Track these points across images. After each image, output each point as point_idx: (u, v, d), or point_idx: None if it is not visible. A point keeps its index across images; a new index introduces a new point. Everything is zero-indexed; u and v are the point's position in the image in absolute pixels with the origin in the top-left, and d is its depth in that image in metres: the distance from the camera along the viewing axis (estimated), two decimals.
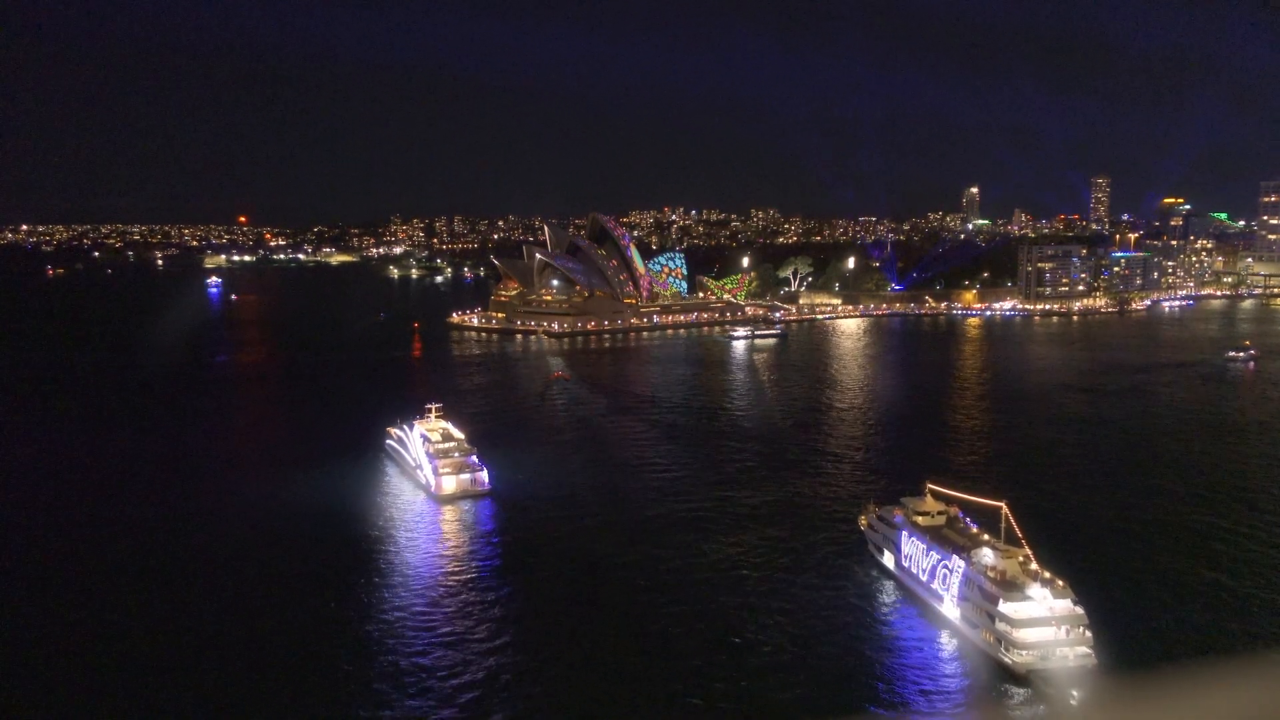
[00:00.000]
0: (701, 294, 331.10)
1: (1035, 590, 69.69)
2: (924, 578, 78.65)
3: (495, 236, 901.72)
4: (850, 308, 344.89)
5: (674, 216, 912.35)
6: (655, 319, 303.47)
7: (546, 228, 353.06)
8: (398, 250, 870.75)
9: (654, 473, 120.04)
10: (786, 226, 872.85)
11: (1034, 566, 72.73)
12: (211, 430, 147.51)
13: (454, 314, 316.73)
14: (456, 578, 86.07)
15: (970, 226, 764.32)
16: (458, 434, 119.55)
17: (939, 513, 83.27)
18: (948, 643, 73.52)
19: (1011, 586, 70.44)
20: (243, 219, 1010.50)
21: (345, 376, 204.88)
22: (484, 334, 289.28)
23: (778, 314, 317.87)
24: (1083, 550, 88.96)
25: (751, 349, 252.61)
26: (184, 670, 68.75)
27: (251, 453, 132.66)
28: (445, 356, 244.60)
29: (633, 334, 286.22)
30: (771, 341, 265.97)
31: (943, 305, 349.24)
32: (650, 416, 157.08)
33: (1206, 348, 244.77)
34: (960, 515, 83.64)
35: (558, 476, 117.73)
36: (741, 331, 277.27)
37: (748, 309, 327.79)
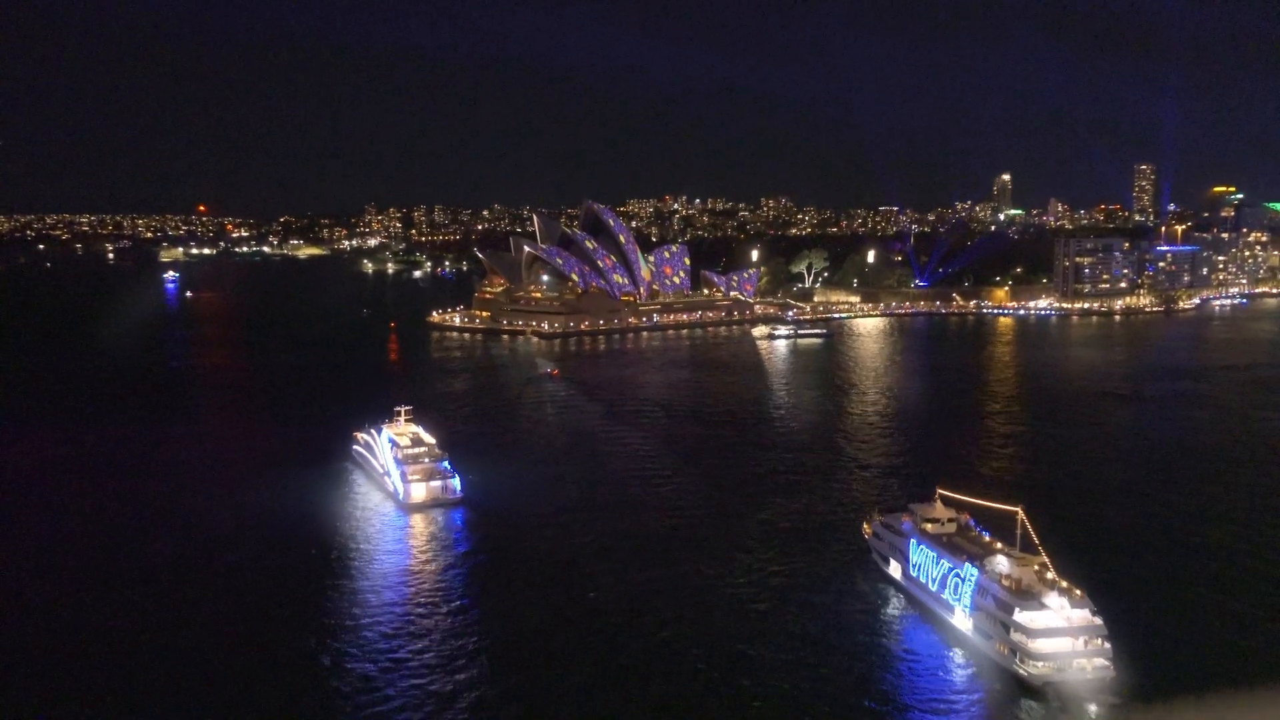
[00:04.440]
0: (706, 291, 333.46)
1: (1052, 599, 71.45)
2: (934, 588, 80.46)
3: (479, 228, 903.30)
4: (870, 306, 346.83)
5: (676, 206, 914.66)
6: (655, 318, 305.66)
7: (535, 218, 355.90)
8: (372, 243, 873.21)
9: (648, 482, 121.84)
10: (800, 217, 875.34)
11: (1051, 575, 74.53)
12: (163, 437, 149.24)
13: (434, 313, 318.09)
14: (423, 593, 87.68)
15: (1001, 217, 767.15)
16: (428, 438, 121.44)
17: (950, 519, 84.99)
18: (959, 655, 75.29)
19: (1027, 595, 72.18)
20: (202, 208, 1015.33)
21: (312, 380, 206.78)
22: (467, 335, 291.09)
23: (790, 313, 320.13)
24: (1104, 560, 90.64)
25: (794, 349, 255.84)
26: (119, 691, 70.20)
27: (206, 461, 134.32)
28: (423, 359, 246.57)
29: (630, 335, 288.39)
30: (817, 342, 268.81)
31: (971, 303, 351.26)
32: (648, 424, 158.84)
33: (1261, 351, 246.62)
34: (972, 522, 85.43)
35: (541, 485, 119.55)
36: (784, 330, 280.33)
37: (757, 307, 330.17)
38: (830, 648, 75.78)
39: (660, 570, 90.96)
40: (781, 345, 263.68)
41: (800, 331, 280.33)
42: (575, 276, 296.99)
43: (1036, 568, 75.32)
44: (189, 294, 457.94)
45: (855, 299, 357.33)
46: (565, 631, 78.87)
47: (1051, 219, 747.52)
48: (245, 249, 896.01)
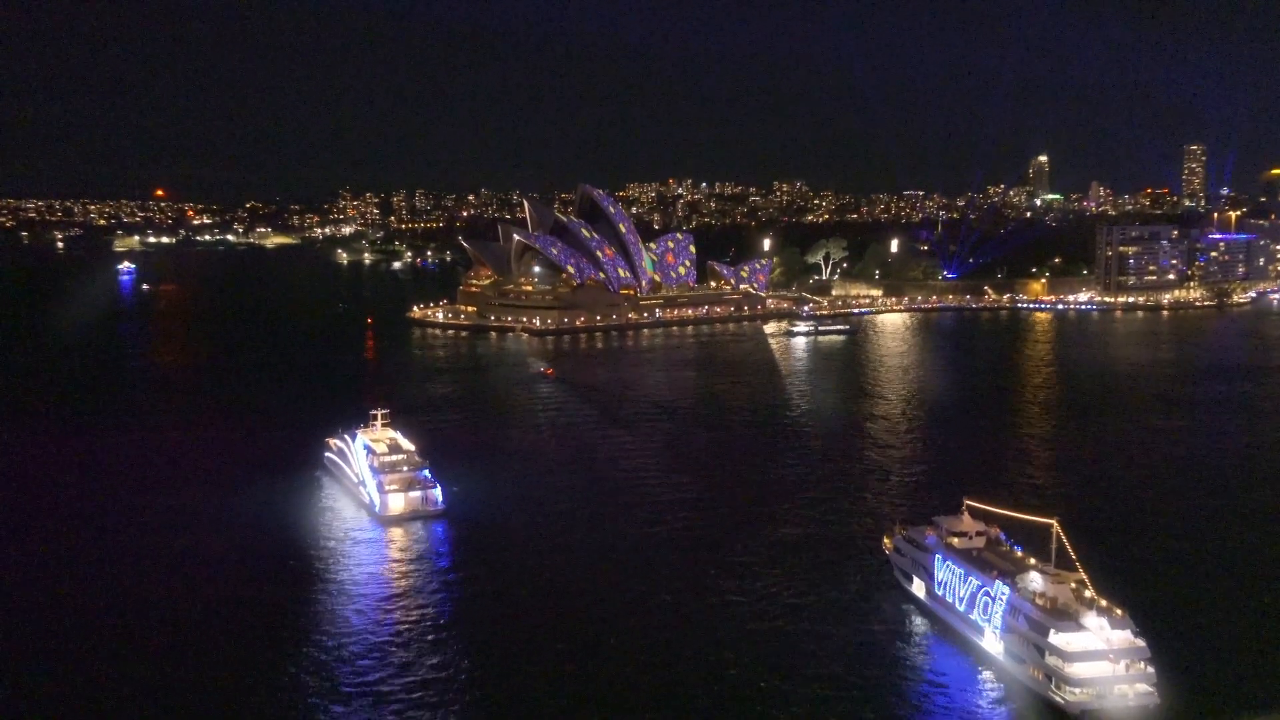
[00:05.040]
0: (713, 284, 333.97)
1: (1091, 619, 71.73)
2: (961, 607, 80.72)
3: (465, 214, 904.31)
4: (893, 300, 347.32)
5: (680, 190, 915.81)
6: (658, 314, 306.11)
7: (526, 204, 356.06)
8: (347, 230, 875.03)
9: (649, 494, 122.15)
10: (816, 202, 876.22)
11: (1089, 593, 74.77)
12: (115, 444, 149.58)
13: (414, 307, 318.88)
14: (401, 614, 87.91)
15: (1038, 202, 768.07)
16: (407, 445, 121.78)
17: (978, 533, 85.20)
18: (989, 681, 75.53)
19: (1063, 615, 72.46)
20: (160, 193, 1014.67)
21: (281, 382, 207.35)
22: (451, 332, 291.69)
23: (806, 308, 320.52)
24: (1148, 577, 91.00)
25: (813, 348, 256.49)
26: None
27: (161, 470, 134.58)
28: (403, 358, 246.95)
29: (630, 332, 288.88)
30: (839, 340, 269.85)
31: (1005, 297, 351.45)
32: (649, 429, 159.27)
33: None
34: (1003, 536, 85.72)
35: (531, 496, 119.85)
36: (803, 327, 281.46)
37: (769, 302, 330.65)
38: (848, 674, 75.94)
39: (661, 591, 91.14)
40: (800, 343, 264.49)
41: (820, 328, 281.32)
42: (570, 268, 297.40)
43: (1073, 585, 75.50)
44: (146, 287, 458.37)
45: (877, 292, 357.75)
46: (555, 659, 78.85)
47: (1092, 204, 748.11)
48: (208, 237, 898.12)
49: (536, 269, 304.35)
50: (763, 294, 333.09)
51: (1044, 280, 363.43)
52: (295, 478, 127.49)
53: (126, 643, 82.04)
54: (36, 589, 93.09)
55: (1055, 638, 70.64)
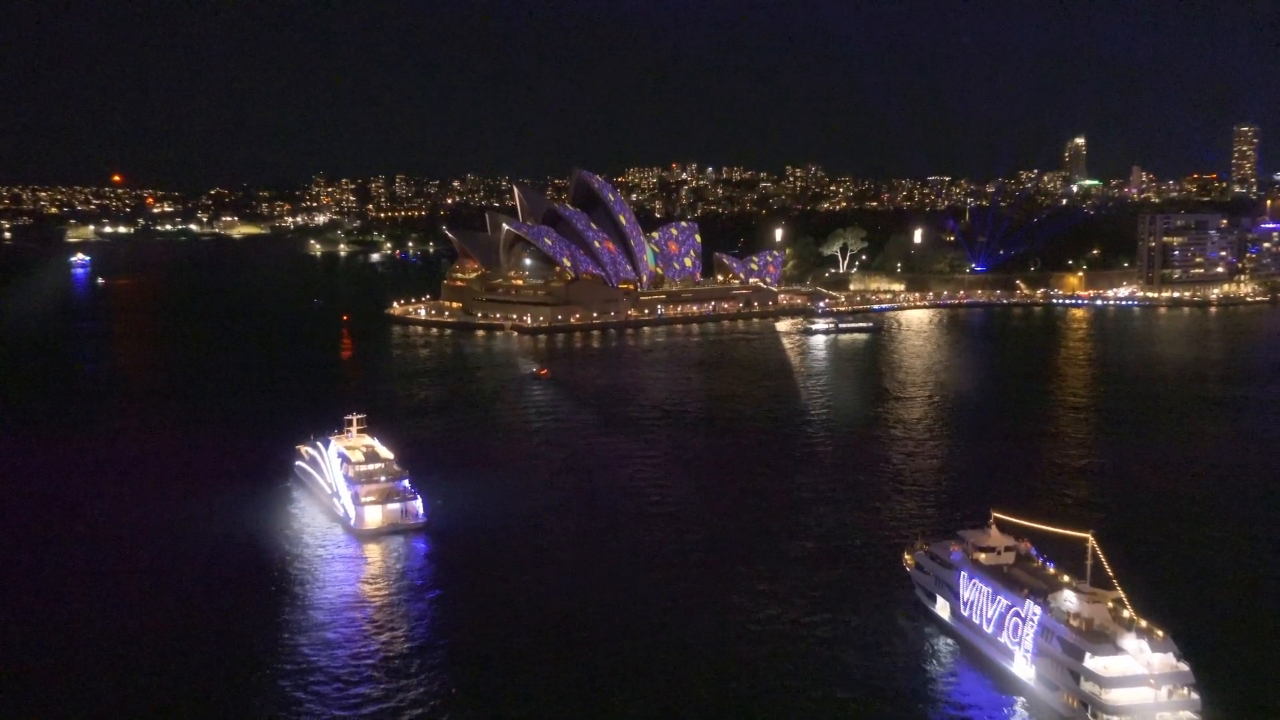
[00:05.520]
0: (721, 277, 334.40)
1: (1130, 642, 71.68)
2: (989, 629, 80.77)
3: (449, 201, 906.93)
4: (916, 295, 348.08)
5: (684, 175, 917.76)
6: (660, 310, 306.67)
7: (517, 190, 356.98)
8: (321, 220, 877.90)
9: (649, 505, 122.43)
10: (833, 189, 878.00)
11: (1128, 613, 74.83)
12: (67, 453, 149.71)
13: (394, 303, 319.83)
14: (378, 637, 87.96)
15: (1074, 189, 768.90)
16: (385, 453, 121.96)
17: (1007, 548, 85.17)
18: (1019, 709, 75.56)
19: (1100, 637, 72.47)
20: (117, 178, 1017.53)
21: (248, 384, 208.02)
22: (434, 329, 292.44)
23: (821, 303, 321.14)
24: (1191, 595, 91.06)
25: (832, 347, 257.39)
26: None
27: (121, 482, 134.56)
28: (382, 358, 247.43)
29: (630, 330, 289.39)
30: (861, 338, 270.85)
31: (1039, 292, 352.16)
32: (650, 435, 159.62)
33: None
34: (1034, 551, 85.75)
35: (520, 509, 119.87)
36: (822, 324, 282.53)
37: (782, 297, 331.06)
38: (865, 702, 76.00)
39: (662, 612, 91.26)
40: (819, 342, 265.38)
41: (841, 326, 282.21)
42: (565, 261, 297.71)
43: (1111, 605, 75.53)
44: (101, 281, 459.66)
45: (899, 287, 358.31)
46: (548, 687, 78.84)
47: (1134, 191, 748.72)
48: (169, 227, 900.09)
49: (528, 261, 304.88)
50: (774, 289, 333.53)
51: (1081, 274, 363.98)
52: (263, 489, 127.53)
53: (69, 674, 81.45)
54: None
55: (1091, 662, 70.62)
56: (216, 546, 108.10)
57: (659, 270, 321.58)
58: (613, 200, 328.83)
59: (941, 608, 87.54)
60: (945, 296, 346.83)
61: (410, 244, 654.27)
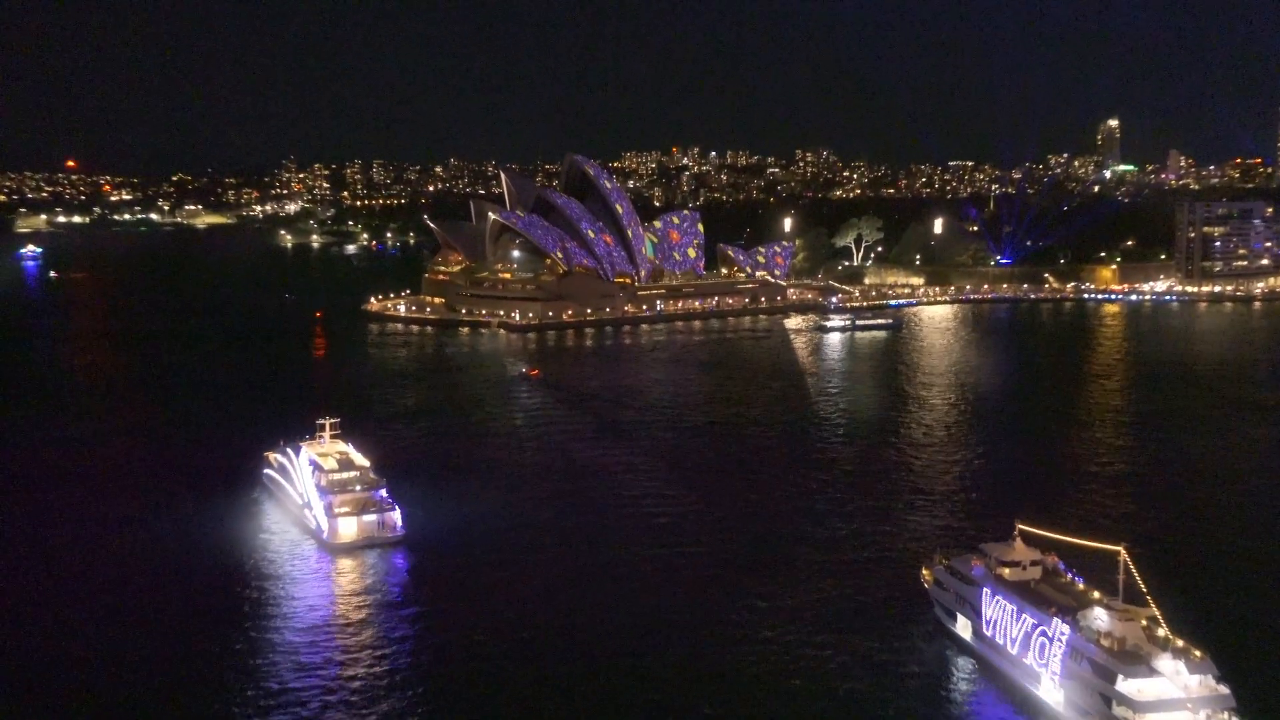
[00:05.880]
0: (725, 271, 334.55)
1: (1165, 663, 71.76)
2: (1013, 650, 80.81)
3: (431, 189, 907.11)
4: (936, 290, 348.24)
5: (686, 160, 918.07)
6: (659, 306, 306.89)
7: (504, 176, 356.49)
8: (292, 208, 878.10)
9: (648, 516, 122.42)
10: (847, 175, 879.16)
11: (1163, 632, 74.99)
12: (20, 461, 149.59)
13: (372, 299, 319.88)
14: (353, 657, 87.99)
15: (1107, 175, 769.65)
16: (360, 460, 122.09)
17: (1033, 562, 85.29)
18: None
19: (1133, 658, 72.53)
20: (71, 164, 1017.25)
21: (213, 386, 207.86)
22: (415, 327, 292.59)
23: (834, 299, 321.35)
24: (1231, 613, 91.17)
25: (848, 345, 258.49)
26: None
27: (75, 492, 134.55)
28: (358, 358, 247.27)
29: (627, 327, 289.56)
30: (880, 335, 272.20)
31: (1068, 286, 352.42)
32: (649, 440, 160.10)
33: None
34: (1062, 566, 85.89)
35: (508, 520, 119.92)
36: (838, 321, 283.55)
37: (791, 292, 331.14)
38: None
39: (659, 633, 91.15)
40: (834, 339, 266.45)
41: (859, 322, 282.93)
42: (556, 253, 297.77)
43: (1145, 623, 75.65)
44: (54, 274, 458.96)
45: (918, 281, 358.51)
46: (531, 711, 78.97)
47: (1171, 177, 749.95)
48: (128, 216, 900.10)
49: (516, 253, 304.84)
50: (783, 283, 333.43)
51: (1114, 266, 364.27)
52: (228, 500, 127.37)
53: (15, 705, 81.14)
54: None
55: (1124, 685, 70.76)
56: (178, 563, 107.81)
57: (658, 263, 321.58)
58: (609, 187, 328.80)
59: (962, 626, 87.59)
60: (968, 291, 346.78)
61: (389, 235, 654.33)
